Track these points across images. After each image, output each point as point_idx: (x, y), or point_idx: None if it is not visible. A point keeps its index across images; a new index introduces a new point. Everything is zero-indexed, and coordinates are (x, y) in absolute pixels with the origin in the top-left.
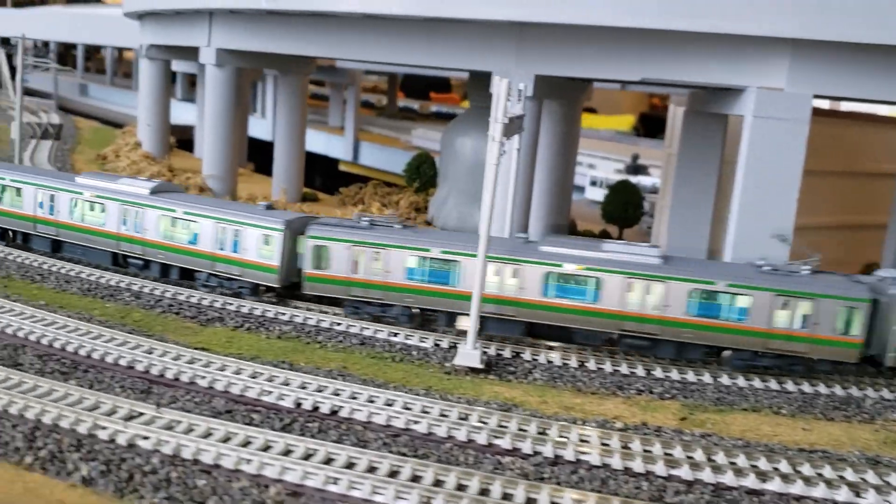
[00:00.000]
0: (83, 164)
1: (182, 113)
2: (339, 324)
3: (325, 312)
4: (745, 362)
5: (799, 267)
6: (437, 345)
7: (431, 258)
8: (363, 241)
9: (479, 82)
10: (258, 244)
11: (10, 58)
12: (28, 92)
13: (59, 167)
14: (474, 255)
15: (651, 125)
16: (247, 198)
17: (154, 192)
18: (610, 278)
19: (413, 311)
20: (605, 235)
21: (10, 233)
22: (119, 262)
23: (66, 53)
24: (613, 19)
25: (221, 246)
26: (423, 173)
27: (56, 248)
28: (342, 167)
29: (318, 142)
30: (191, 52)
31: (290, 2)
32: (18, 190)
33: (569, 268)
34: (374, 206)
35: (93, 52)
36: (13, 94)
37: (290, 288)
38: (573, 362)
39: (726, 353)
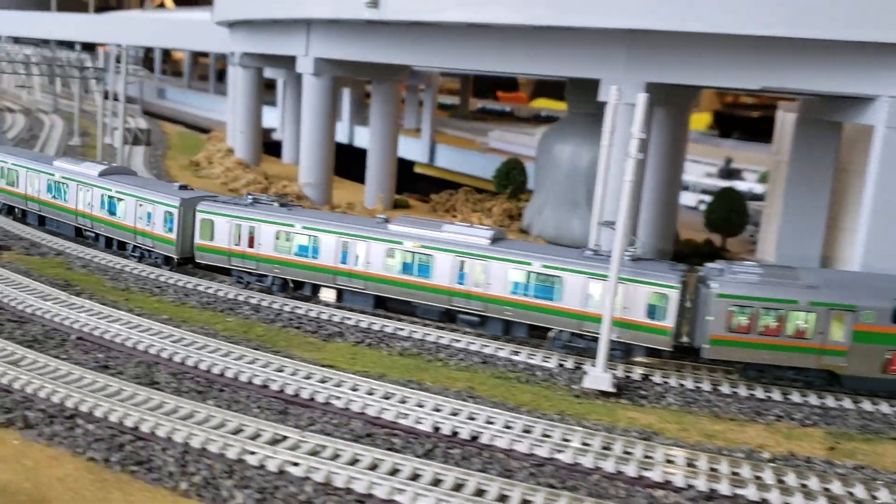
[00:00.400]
0: (177, 171)
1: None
2: (458, 340)
3: (442, 328)
4: (563, 342)
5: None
6: (561, 365)
7: (294, 233)
8: (240, 217)
9: (579, 88)
10: (163, 219)
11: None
12: (109, 96)
13: (155, 174)
14: (331, 232)
15: (726, 124)
16: (346, 206)
17: (102, 174)
18: (441, 256)
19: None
20: (708, 245)
21: (17, 209)
22: (81, 235)
23: (143, 56)
24: (735, 27)
25: (140, 221)
26: (514, 179)
27: (41, 221)
28: (417, 169)
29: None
30: (284, 61)
31: (392, 12)
32: (17, 173)
33: (408, 245)
34: (472, 215)
35: (169, 54)
36: (99, 99)
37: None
38: (706, 386)
39: (551, 333)
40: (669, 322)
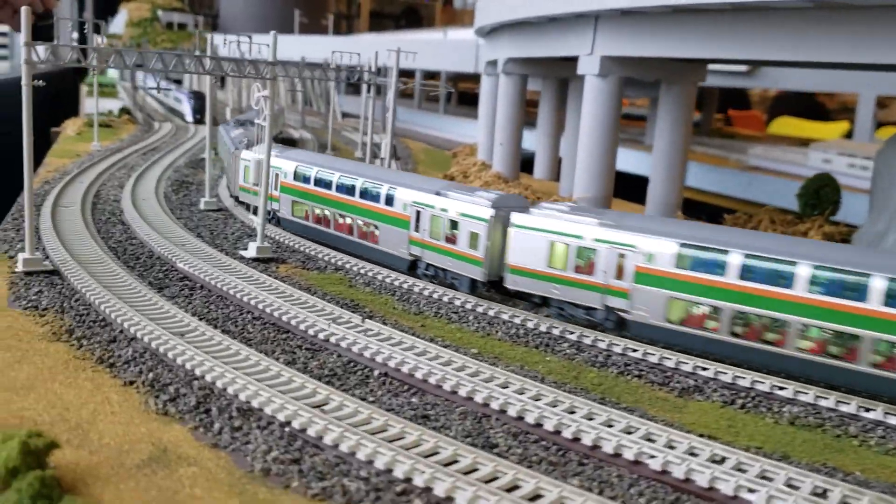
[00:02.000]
0: None
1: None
2: (868, 409)
3: (834, 391)
4: None
5: None
6: None
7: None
8: None
9: None
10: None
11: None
12: (343, 114)
13: None
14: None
15: None
16: None
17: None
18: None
19: None
20: None
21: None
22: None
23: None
24: None
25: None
26: (825, 198)
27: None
28: None
29: (636, 162)
30: (550, 66)
31: None
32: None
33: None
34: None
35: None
36: (340, 117)
37: None
38: None
39: None
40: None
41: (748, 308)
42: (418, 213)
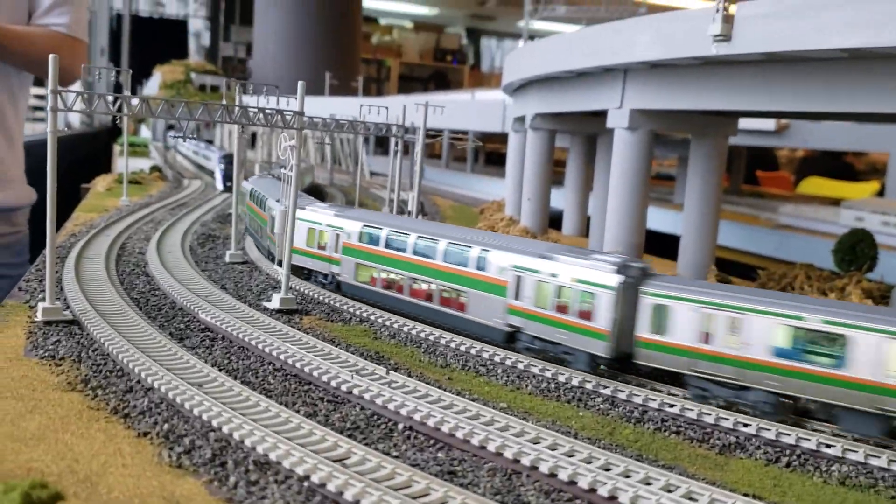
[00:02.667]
0: None
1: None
2: None
3: (886, 450)
4: None
5: None
6: None
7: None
8: None
9: None
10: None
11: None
12: (371, 173)
13: None
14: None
15: None
16: None
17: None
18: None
19: None
20: None
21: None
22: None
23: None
24: None
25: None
26: (861, 254)
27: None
28: None
29: (664, 220)
30: (578, 121)
31: (749, 44)
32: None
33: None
34: (810, 294)
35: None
36: (368, 176)
37: None
38: None
39: None
40: None
41: (389, 268)
42: (272, 216)
